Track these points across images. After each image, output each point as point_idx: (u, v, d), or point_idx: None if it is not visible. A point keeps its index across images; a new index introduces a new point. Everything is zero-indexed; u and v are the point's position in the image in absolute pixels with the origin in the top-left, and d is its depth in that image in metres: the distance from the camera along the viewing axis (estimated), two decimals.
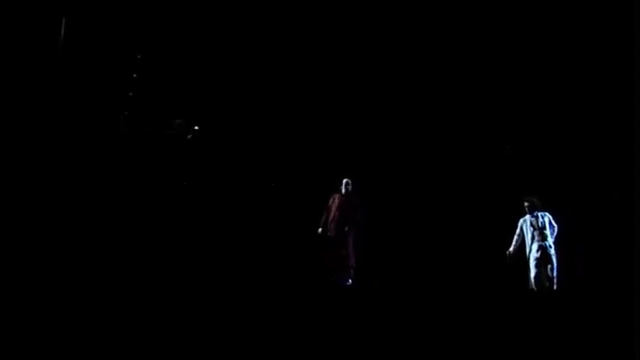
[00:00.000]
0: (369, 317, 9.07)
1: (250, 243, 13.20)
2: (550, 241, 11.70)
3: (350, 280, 12.52)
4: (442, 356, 8.51)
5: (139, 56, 13.60)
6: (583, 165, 13.60)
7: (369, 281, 12.51)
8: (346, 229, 12.52)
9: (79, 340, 8.21)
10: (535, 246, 11.69)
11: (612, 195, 12.97)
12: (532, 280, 11.68)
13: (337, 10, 13.94)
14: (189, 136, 13.13)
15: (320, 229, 12.65)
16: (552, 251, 11.66)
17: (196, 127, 13.25)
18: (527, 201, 11.84)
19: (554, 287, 11.66)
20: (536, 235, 11.71)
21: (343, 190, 12.68)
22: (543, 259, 11.61)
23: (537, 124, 13.93)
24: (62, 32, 12.92)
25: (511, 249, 11.88)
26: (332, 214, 12.64)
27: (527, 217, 11.82)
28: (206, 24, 13.86)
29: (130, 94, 13.54)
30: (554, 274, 11.64)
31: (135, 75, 13.58)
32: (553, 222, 11.81)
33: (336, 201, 12.67)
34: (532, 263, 11.69)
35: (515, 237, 11.85)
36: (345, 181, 12.72)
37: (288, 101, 14.24)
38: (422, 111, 14.29)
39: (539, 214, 11.81)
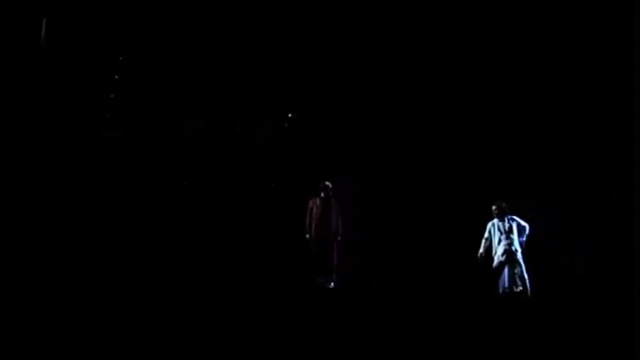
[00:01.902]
0: (350, 319, 9.07)
1: (247, 243, 13.26)
2: (516, 245, 12.16)
3: (332, 283, 12.58)
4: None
5: (120, 58, 13.60)
6: (583, 165, 13.59)
7: (352, 283, 12.70)
8: (329, 230, 12.70)
9: (79, 340, 8.21)
10: (500, 250, 12.14)
11: (612, 195, 12.97)
12: None
13: (320, 8, 13.93)
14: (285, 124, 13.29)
15: (307, 235, 12.80)
16: (519, 255, 12.11)
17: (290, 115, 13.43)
18: (495, 205, 12.23)
19: (528, 290, 11.81)
20: (502, 238, 12.19)
21: (322, 194, 12.76)
22: (508, 262, 12.07)
23: (537, 124, 13.91)
24: (43, 33, 12.92)
25: (481, 250, 12.32)
26: (313, 218, 12.73)
27: (495, 220, 12.29)
28: (188, 24, 13.81)
29: (112, 95, 13.56)
30: (525, 275, 12.03)
31: (116, 77, 13.58)
32: (522, 223, 12.20)
33: (316, 204, 12.77)
34: (494, 265, 12.16)
35: (484, 240, 12.32)
36: (323, 185, 12.79)
37: (278, 101, 14.20)
38: (423, 111, 14.27)
39: (507, 218, 12.20)
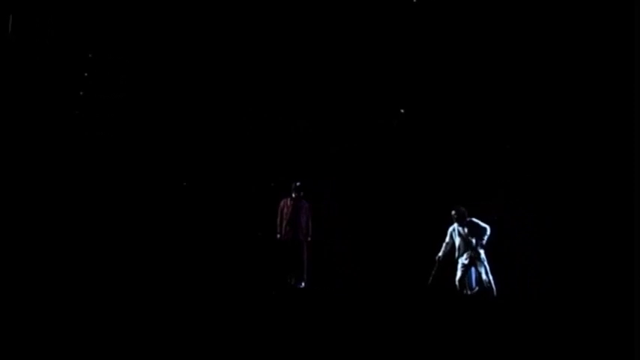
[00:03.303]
0: (321, 320, 9.06)
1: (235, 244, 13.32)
2: (478, 247, 12.18)
3: (303, 283, 12.70)
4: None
5: (90, 55, 13.58)
6: (582, 165, 13.59)
7: (326, 283, 12.79)
8: (300, 231, 12.74)
9: (79, 340, 8.21)
10: (464, 254, 12.26)
11: (612, 195, 12.98)
12: (457, 282, 12.31)
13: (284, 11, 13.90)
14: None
15: (278, 235, 12.86)
16: (482, 257, 12.18)
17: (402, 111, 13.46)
18: (454, 210, 12.34)
19: (494, 290, 11.94)
20: (464, 242, 12.26)
21: (293, 194, 12.81)
22: (472, 264, 12.20)
23: (537, 125, 13.91)
24: (9, 29, 12.90)
25: (440, 254, 12.45)
26: (284, 218, 12.82)
27: (456, 225, 12.36)
28: (161, 21, 13.78)
29: (81, 92, 13.54)
30: (490, 277, 12.13)
31: (86, 74, 13.56)
32: (482, 224, 12.25)
33: (288, 204, 12.84)
34: (459, 267, 12.31)
35: (444, 244, 12.43)
36: (294, 185, 12.83)
37: (267, 100, 14.18)
38: (420, 111, 14.27)
39: (467, 221, 12.26)
